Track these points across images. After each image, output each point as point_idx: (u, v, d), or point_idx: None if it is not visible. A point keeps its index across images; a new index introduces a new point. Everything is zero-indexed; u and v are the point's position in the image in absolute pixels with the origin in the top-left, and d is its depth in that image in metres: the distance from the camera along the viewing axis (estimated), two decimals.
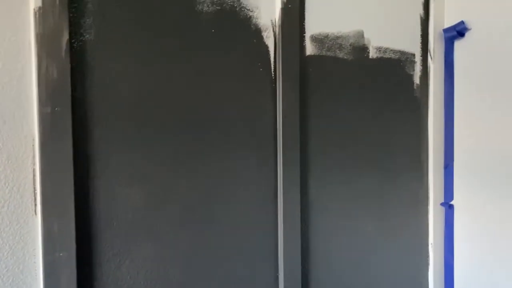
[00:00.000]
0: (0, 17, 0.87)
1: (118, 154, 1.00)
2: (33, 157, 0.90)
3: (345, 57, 1.33)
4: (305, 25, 1.25)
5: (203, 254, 1.12)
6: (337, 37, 1.31)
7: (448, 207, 1.51)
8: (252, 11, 1.16)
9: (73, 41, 0.93)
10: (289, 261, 1.20)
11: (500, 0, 1.34)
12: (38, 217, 0.90)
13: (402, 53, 1.45)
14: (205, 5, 1.09)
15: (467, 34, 1.45)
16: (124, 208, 1.01)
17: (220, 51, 1.12)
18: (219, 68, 1.12)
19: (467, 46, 1.45)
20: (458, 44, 1.48)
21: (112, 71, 0.99)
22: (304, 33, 1.25)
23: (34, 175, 0.90)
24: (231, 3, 1.13)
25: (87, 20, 0.95)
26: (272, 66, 1.20)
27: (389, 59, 1.42)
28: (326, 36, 1.29)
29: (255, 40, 1.17)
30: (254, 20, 1.16)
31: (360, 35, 1.36)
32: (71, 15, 0.93)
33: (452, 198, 1.50)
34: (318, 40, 1.27)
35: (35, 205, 0.90)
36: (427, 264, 1.53)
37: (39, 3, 0.88)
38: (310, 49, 1.26)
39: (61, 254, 0.91)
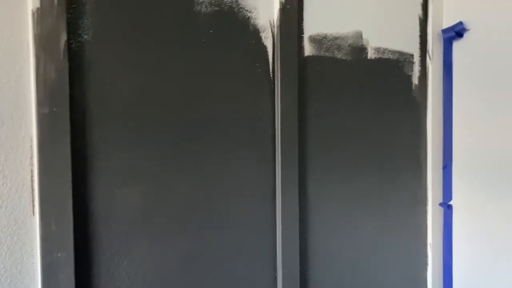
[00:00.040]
0: None
1: (117, 154, 1.00)
2: (31, 157, 0.90)
3: (344, 58, 1.33)
4: (304, 25, 1.25)
5: (201, 254, 1.12)
6: (336, 38, 1.31)
7: (446, 207, 1.51)
8: (250, 12, 1.16)
9: (71, 41, 0.93)
10: (287, 261, 1.20)
11: (498, 1, 1.35)
12: (36, 218, 0.90)
13: (401, 53, 1.45)
14: (203, 5, 1.09)
15: (465, 35, 1.45)
16: (122, 208, 1.01)
17: (218, 52, 1.12)
18: (217, 69, 1.12)
19: (466, 46, 1.45)
20: (457, 45, 1.48)
21: (110, 71, 0.99)
22: (303, 33, 1.25)
23: (32, 176, 0.90)
24: (229, 4, 1.13)
25: (85, 20, 0.95)
26: (271, 66, 1.20)
27: (388, 59, 1.42)
28: (325, 37, 1.29)
29: (253, 41, 1.17)
30: (252, 20, 1.17)
31: (359, 35, 1.36)
32: (69, 16, 0.93)
33: (450, 198, 1.50)
34: (317, 40, 1.27)
35: (33, 205, 0.90)
36: (425, 264, 1.53)
37: (37, 4, 0.88)
38: (308, 49, 1.26)
39: (59, 255, 0.91)
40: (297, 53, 1.21)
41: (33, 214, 0.91)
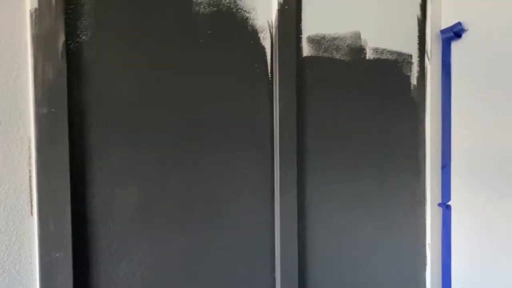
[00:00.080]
0: None
1: (115, 154, 1.00)
2: (29, 158, 0.90)
3: (342, 58, 1.33)
4: (302, 26, 1.25)
5: (200, 255, 1.12)
6: (334, 38, 1.31)
7: (445, 208, 1.51)
8: (248, 13, 1.16)
9: (69, 42, 0.94)
10: (285, 262, 1.20)
11: (497, 1, 1.35)
12: (35, 218, 0.90)
13: (399, 54, 1.45)
14: (201, 6, 1.10)
15: (464, 35, 1.45)
16: (121, 208, 1.01)
17: (216, 52, 1.12)
18: (215, 69, 1.12)
19: (464, 47, 1.45)
20: (455, 45, 1.48)
21: (109, 72, 0.99)
22: (301, 34, 1.25)
23: (30, 176, 0.90)
24: (228, 5, 1.13)
25: (84, 21, 0.96)
26: (269, 67, 1.20)
27: (386, 60, 1.42)
28: (323, 37, 1.29)
29: (251, 41, 1.17)
30: (250, 21, 1.17)
31: (357, 36, 1.36)
32: (67, 16, 0.93)
33: (449, 199, 1.51)
34: (315, 41, 1.28)
35: (31, 206, 0.91)
36: (424, 265, 1.53)
37: (35, 5, 0.88)
38: (306, 50, 1.26)
39: (57, 255, 0.91)
40: (295, 54, 1.22)
41: (31, 215, 0.91)
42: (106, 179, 0.99)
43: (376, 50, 1.39)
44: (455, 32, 1.45)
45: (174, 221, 1.08)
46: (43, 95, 0.89)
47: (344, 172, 1.34)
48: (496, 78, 1.35)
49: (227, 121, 1.14)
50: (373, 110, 1.39)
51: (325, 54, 1.30)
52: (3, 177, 0.88)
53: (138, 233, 1.03)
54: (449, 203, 1.51)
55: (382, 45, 1.41)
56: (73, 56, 0.94)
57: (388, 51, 1.42)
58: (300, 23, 1.25)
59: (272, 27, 1.19)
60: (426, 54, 1.50)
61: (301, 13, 1.25)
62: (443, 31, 1.50)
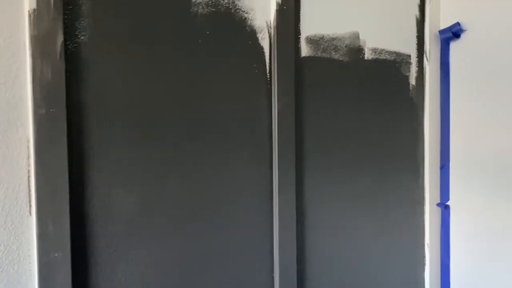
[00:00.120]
0: None
1: (114, 154, 1.00)
2: (28, 158, 0.90)
3: (341, 59, 1.33)
4: (300, 26, 1.25)
5: (198, 255, 1.12)
6: (333, 39, 1.31)
7: (444, 208, 1.51)
8: (247, 13, 1.16)
9: (67, 43, 0.94)
10: (284, 262, 1.21)
11: (495, 2, 1.35)
12: (33, 218, 0.91)
13: (398, 54, 1.45)
14: (200, 7, 1.10)
15: (462, 35, 1.45)
16: (120, 208, 1.01)
17: (215, 53, 1.12)
18: (214, 70, 1.12)
19: (463, 47, 1.46)
20: (454, 45, 1.49)
21: (107, 72, 0.99)
22: (299, 34, 1.25)
23: (29, 176, 0.91)
24: (226, 5, 1.13)
25: (82, 22, 0.96)
26: (268, 67, 1.20)
27: (385, 60, 1.42)
28: (322, 38, 1.29)
29: (250, 42, 1.17)
30: (249, 21, 1.17)
31: (356, 36, 1.36)
32: (65, 17, 0.93)
33: (448, 199, 1.51)
34: (314, 41, 1.28)
35: (30, 206, 0.91)
36: (423, 265, 1.53)
37: (34, 5, 0.88)
38: (305, 50, 1.26)
39: (56, 255, 0.91)
40: (294, 54, 1.22)
41: (30, 215, 0.91)
42: (105, 179, 0.99)
43: (374, 50, 1.40)
44: (454, 32, 1.45)
45: (173, 221, 1.08)
46: (41, 95, 0.89)
47: (343, 172, 1.34)
48: (495, 78, 1.35)
49: (225, 121, 1.14)
50: (372, 110, 1.40)
51: (324, 54, 1.30)
52: (2, 177, 0.88)
53: (137, 233, 1.03)
54: (447, 203, 1.51)
55: (380, 45, 1.41)
56: (71, 57, 0.94)
57: (387, 51, 1.42)
58: (299, 23, 1.25)
59: (271, 27, 1.20)
60: (424, 54, 1.51)
61: (299, 13, 1.25)
62: (441, 31, 1.50)
